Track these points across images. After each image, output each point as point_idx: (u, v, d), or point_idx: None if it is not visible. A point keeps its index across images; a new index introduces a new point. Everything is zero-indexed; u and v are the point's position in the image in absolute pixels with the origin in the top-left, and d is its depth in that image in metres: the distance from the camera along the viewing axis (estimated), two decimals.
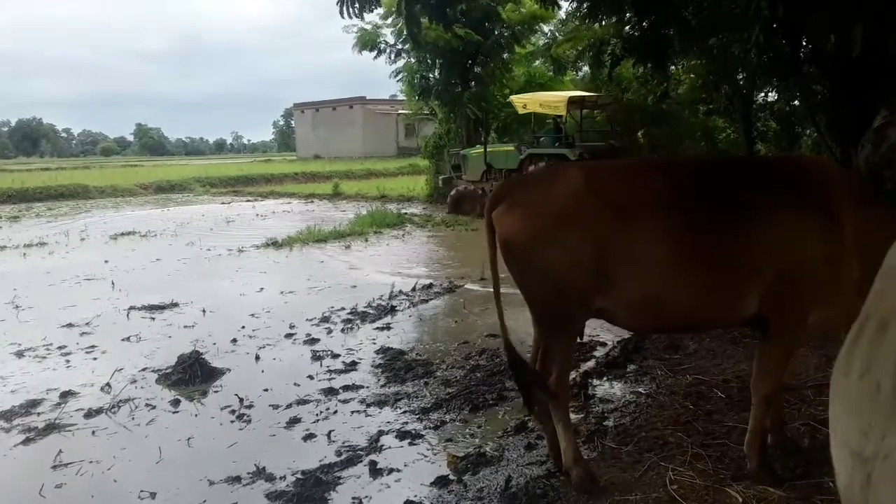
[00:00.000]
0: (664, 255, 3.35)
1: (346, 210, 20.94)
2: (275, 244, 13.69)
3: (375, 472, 4.20)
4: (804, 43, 7.61)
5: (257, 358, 6.59)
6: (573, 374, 5.54)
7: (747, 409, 3.62)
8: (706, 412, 4.56)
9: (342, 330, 7.49)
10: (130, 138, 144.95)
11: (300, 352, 6.76)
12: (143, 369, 6.27)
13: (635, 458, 3.98)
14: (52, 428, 5.03)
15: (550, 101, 17.42)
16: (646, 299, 3.44)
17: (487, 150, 18.78)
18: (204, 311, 8.43)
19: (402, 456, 4.42)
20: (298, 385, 5.78)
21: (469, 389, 5.45)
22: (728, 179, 3.57)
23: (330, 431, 4.81)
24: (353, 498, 3.91)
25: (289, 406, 5.32)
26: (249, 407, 5.35)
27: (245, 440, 4.78)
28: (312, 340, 7.09)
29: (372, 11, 6.54)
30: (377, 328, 7.56)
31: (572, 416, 4.52)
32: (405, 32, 22.98)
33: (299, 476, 4.13)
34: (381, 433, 4.74)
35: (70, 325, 7.83)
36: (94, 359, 6.69)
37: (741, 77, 13.27)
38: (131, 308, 8.55)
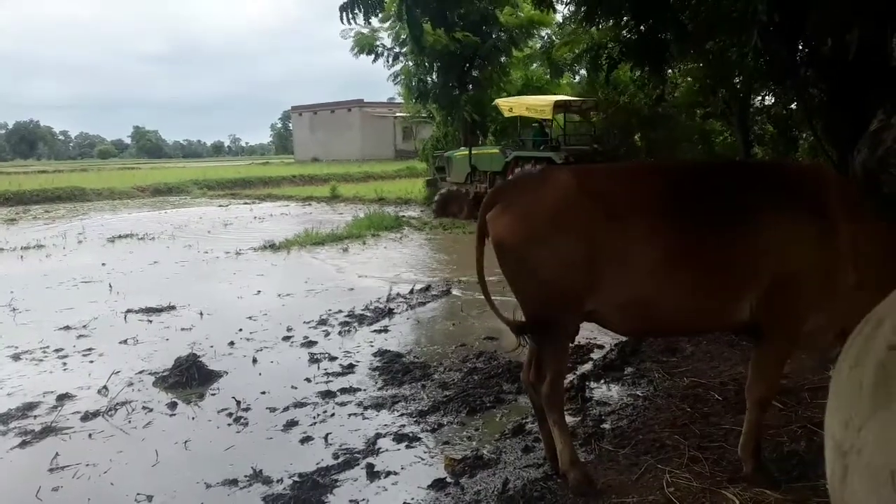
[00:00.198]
0: (656, 258, 3.36)
1: (344, 213, 20.94)
2: (272, 247, 13.69)
3: (373, 474, 4.20)
4: (801, 46, 7.63)
5: (254, 361, 6.59)
6: (570, 377, 5.55)
7: (744, 412, 3.63)
8: (703, 415, 4.57)
9: (339, 333, 7.49)
10: (128, 141, 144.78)
11: (297, 354, 6.76)
12: (140, 372, 6.27)
13: (632, 460, 3.99)
14: (48, 431, 5.03)
15: (536, 104, 17.51)
16: (637, 302, 3.45)
17: (472, 152, 18.84)
18: (201, 313, 8.43)
19: (399, 459, 4.42)
20: (296, 388, 5.78)
21: (466, 392, 5.45)
22: (722, 183, 3.58)
23: (327, 434, 4.81)
24: (351, 501, 3.91)
25: (286, 409, 5.32)
26: (246, 410, 5.35)
27: (242, 443, 4.77)
28: (310, 343, 7.08)
29: (376, 17, 6.57)
30: (374, 331, 7.56)
31: (569, 418, 4.54)
32: (403, 36, 23.12)
33: (296, 479, 4.13)
34: (378, 436, 4.74)
35: (67, 328, 7.83)
36: (91, 362, 6.68)
37: (738, 81, 13.29)
38: (128, 311, 8.54)
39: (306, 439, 4.78)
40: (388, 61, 24.83)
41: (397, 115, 44.06)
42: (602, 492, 3.60)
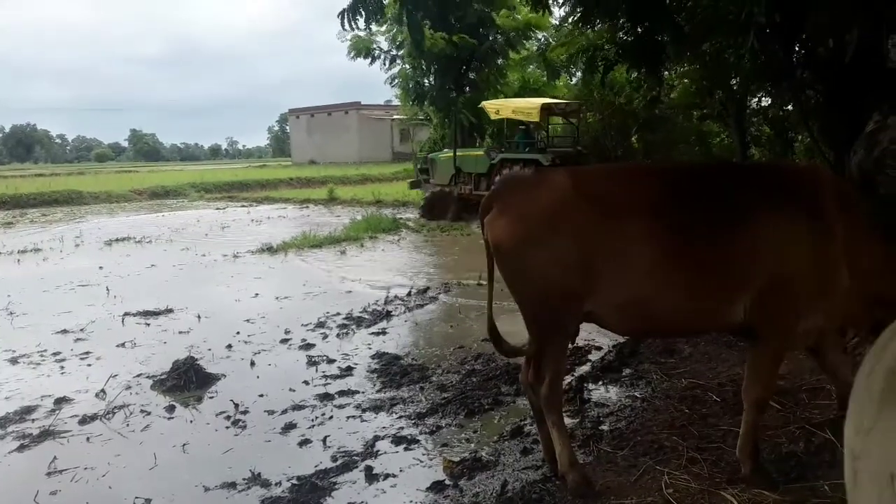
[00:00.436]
0: (652, 258, 3.37)
1: (342, 215, 20.93)
2: (270, 250, 13.68)
3: (371, 477, 4.20)
4: (797, 48, 7.65)
5: (252, 363, 6.58)
6: (568, 379, 5.55)
7: (742, 413, 3.63)
8: (701, 416, 4.57)
9: (337, 335, 7.48)
10: (125, 144, 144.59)
11: (295, 357, 6.75)
12: (138, 375, 6.26)
13: (631, 462, 3.99)
14: (46, 434, 5.02)
15: (524, 107, 17.60)
16: (633, 302, 3.46)
17: (457, 154, 18.88)
18: (199, 316, 8.42)
19: (397, 461, 4.42)
20: (294, 390, 5.78)
21: (465, 394, 5.45)
22: (718, 184, 3.59)
23: (325, 437, 4.81)
24: (349, 503, 3.91)
25: (284, 412, 5.32)
26: (245, 413, 5.34)
27: (240, 446, 4.77)
28: (308, 346, 7.08)
29: (377, 22, 6.60)
30: (373, 333, 7.55)
31: (568, 420, 4.54)
32: (400, 39, 23.17)
33: (295, 482, 4.13)
34: (376, 438, 4.74)
35: (64, 332, 7.81)
36: (89, 365, 6.67)
37: (735, 82, 13.30)
38: (126, 314, 8.53)
39: (305, 442, 4.77)
40: (384, 64, 24.88)
41: (394, 117, 44.06)
42: (601, 493, 3.60)
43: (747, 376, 3.57)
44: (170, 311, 8.71)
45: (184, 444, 4.81)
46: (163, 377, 6.08)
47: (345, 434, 4.87)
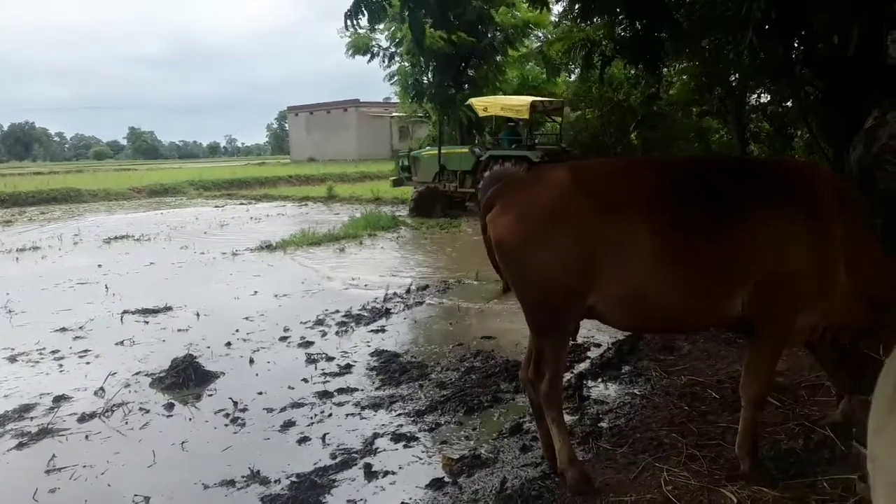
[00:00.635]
0: (651, 253, 3.36)
1: (340, 213, 20.91)
2: (269, 247, 13.67)
3: (370, 474, 4.20)
4: (797, 44, 7.64)
5: (251, 361, 6.58)
6: (568, 376, 5.55)
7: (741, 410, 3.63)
8: (701, 413, 4.57)
9: (336, 333, 7.48)
10: (123, 142, 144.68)
11: (294, 355, 6.75)
12: (137, 373, 6.25)
13: (630, 459, 3.99)
14: (45, 432, 5.01)
15: (513, 104, 17.69)
16: (633, 297, 3.46)
17: (442, 151, 18.90)
18: (198, 314, 8.41)
19: (396, 458, 4.41)
20: (293, 388, 5.77)
21: (464, 391, 5.45)
22: (717, 180, 3.59)
23: (324, 434, 4.80)
24: (348, 501, 3.91)
25: (283, 409, 5.31)
26: (244, 410, 5.34)
27: (239, 444, 4.76)
28: (307, 343, 7.08)
29: (381, 22, 6.59)
30: (371, 331, 7.55)
31: (567, 417, 4.54)
32: (399, 36, 23.15)
33: (294, 479, 4.13)
34: (375, 436, 4.73)
35: (63, 330, 7.81)
36: (88, 363, 6.66)
37: (734, 79, 13.31)
38: (125, 312, 8.52)
39: (304, 439, 4.77)
40: (383, 61, 24.87)
41: (393, 114, 44.04)
42: (600, 490, 3.60)
43: (745, 373, 3.57)
44: (169, 308, 8.70)
45: (183, 442, 4.81)
46: (162, 375, 6.07)
47: (344, 432, 4.87)
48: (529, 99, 17.87)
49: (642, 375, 5.57)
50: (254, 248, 13.59)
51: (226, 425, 5.09)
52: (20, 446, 4.82)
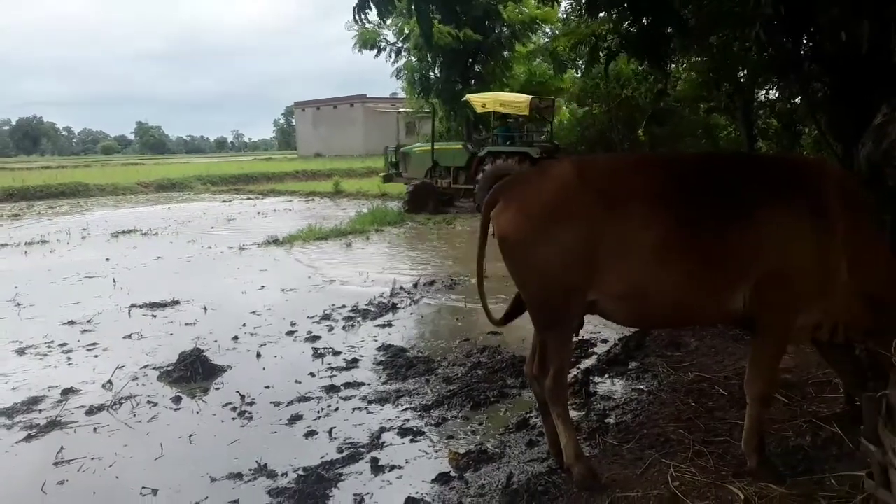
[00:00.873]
0: (655, 249, 3.35)
1: (347, 208, 20.94)
2: (276, 242, 13.70)
3: (377, 468, 4.21)
4: (805, 40, 7.60)
5: (258, 355, 6.60)
6: (574, 372, 5.55)
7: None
8: (708, 409, 4.56)
9: (343, 327, 7.49)
10: (131, 137, 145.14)
11: (301, 349, 6.76)
12: (145, 367, 6.28)
13: (637, 455, 3.98)
14: (53, 425, 5.04)
15: (512, 101, 17.78)
16: (636, 292, 3.44)
17: (435, 147, 18.90)
18: (205, 308, 8.44)
19: (403, 453, 4.42)
20: (300, 382, 5.79)
21: (470, 386, 5.45)
22: (723, 175, 3.57)
23: (331, 428, 4.82)
24: (355, 495, 3.92)
25: (290, 403, 5.33)
26: (251, 404, 5.35)
27: (246, 437, 4.78)
28: (314, 338, 7.09)
29: (389, 17, 6.58)
30: (378, 325, 7.56)
31: (573, 413, 4.54)
32: (406, 31, 23.13)
33: (301, 473, 4.14)
34: (382, 430, 4.74)
35: (71, 323, 7.84)
36: (96, 356, 6.69)
37: (742, 75, 13.25)
38: (132, 306, 8.56)
39: (311, 433, 4.78)
40: (390, 56, 24.86)
41: (400, 110, 43.99)
42: (606, 486, 3.60)
43: (749, 370, 3.57)
44: (176, 302, 8.74)
45: (190, 435, 4.83)
46: (169, 368, 6.10)
47: (350, 426, 4.88)
48: (528, 96, 17.94)
49: (649, 371, 5.56)
50: (261, 243, 13.62)
51: (233, 419, 5.11)
52: (29, 438, 4.85)
